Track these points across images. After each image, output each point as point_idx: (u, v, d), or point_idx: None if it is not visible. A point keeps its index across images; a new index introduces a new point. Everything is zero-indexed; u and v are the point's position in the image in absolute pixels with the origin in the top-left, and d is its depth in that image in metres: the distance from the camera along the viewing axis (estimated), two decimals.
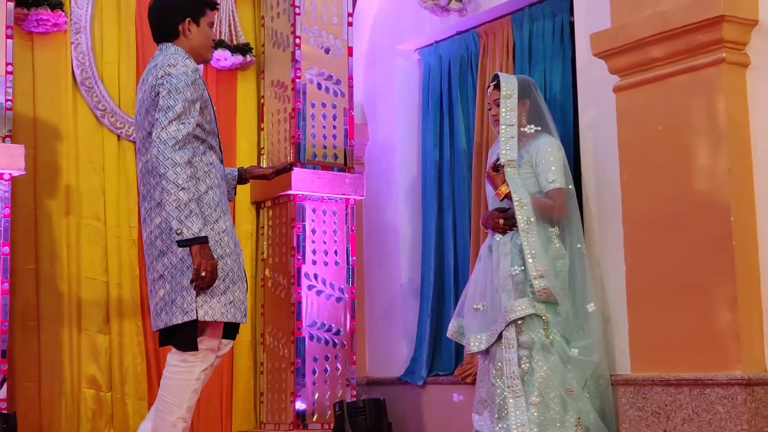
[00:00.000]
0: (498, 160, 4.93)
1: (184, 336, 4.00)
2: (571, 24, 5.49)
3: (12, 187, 5.28)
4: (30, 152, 5.56)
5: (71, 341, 5.66)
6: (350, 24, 6.40)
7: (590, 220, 5.11)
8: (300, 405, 5.89)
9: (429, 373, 6.23)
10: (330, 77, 6.30)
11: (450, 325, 5.18)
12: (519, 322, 4.72)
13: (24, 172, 5.31)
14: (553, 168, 4.87)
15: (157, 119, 3.93)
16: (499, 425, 4.71)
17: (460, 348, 5.89)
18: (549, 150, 4.90)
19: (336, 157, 6.26)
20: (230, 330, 4.19)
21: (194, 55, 4.17)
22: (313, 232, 6.08)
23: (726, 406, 4.19)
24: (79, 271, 5.74)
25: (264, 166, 4.71)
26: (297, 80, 6.19)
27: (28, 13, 5.64)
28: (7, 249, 5.17)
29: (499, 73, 5.08)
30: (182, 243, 3.87)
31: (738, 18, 4.29)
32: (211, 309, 3.95)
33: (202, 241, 3.87)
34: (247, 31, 6.54)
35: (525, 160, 4.93)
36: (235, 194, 4.68)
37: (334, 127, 6.28)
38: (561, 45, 5.56)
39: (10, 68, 5.33)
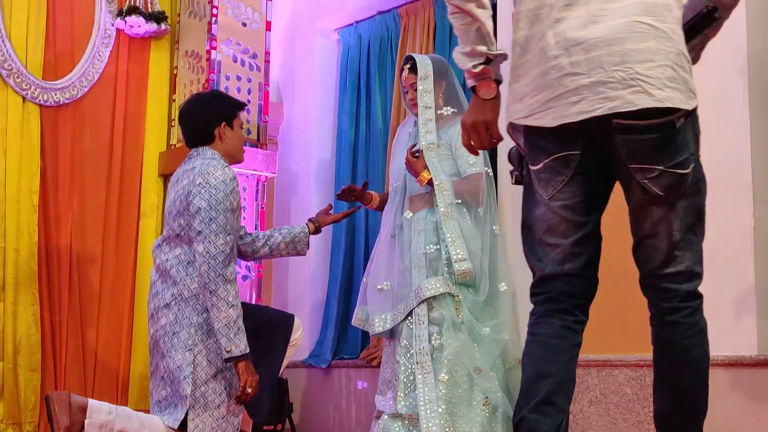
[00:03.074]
0: (415, 145, 4.86)
1: None
2: (494, 6, 5.43)
3: None
4: None
5: None
6: None
7: (504, 200, 5.05)
8: None
9: (334, 356, 6.12)
10: (246, 50, 6.16)
11: (354, 313, 5.09)
12: (431, 299, 4.66)
13: None
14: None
15: (199, 231, 3.97)
16: (402, 403, 4.62)
17: (366, 332, 5.78)
18: None
19: (249, 132, 6.12)
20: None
21: (229, 158, 4.25)
22: None
23: (634, 388, 4.15)
24: None
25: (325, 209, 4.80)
26: (212, 51, 6.04)
27: None
28: None
29: (414, 55, 4.98)
30: (228, 360, 3.95)
31: None
32: (202, 423, 3.98)
33: (247, 357, 3.97)
34: None
35: (443, 142, 4.86)
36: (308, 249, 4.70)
37: (249, 101, 6.14)
38: None
39: None
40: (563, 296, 2.65)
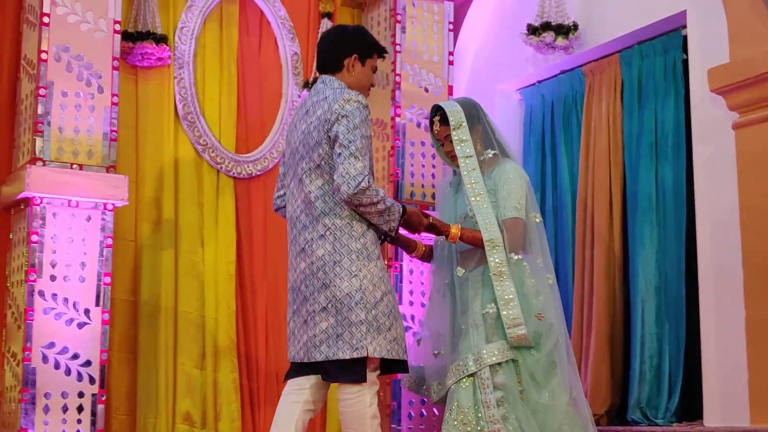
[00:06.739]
0: (428, 217, 4.46)
1: (351, 370, 4.04)
2: (684, 61, 5.34)
3: (113, 217, 5.25)
4: (132, 184, 5.55)
5: (167, 375, 5.58)
6: (451, 63, 6.29)
7: (705, 263, 4.91)
8: None
9: None
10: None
11: (407, 375, 4.66)
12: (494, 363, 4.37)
13: (126, 203, 5.26)
14: (512, 196, 4.50)
15: (339, 154, 4.02)
16: None
17: None
18: (511, 177, 4.53)
19: (434, 196, 6.15)
20: (386, 365, 4.20)
21: None
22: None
23: None
24: (177, 304, 5.69)
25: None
26: (396, 119, 6.10)
27: (133, 46, 5.65)
28: (108, 279, 5.12)
29: (442, 104, 4.70)
30: (396, 232, 4.19)
31: None
32: (379, 346, 4.00)
33: (404, 213, 4.17)
34: None
35: (488, 188, 4.54)
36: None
37: (434, 166, 6.17)
38: (673, 82, 5.42)
39: (115, 99, 5.31)
40: None
